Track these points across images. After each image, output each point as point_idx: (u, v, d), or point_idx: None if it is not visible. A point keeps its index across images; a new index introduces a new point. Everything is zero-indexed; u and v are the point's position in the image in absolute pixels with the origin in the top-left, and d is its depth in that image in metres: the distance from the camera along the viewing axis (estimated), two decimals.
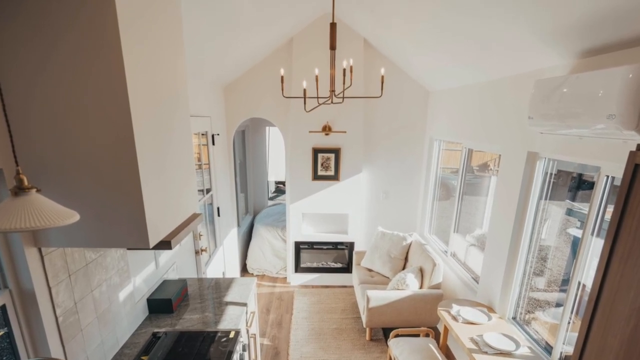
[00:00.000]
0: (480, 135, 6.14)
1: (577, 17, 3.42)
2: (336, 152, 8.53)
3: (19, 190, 2.20)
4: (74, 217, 2.21)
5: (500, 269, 5.59)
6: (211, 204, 7.83)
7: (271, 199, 15.85)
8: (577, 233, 4.79)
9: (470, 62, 5.76)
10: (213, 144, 7.71)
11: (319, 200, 8.86)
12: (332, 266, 9.52)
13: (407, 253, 8.15)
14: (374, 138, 9.07)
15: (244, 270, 10.52)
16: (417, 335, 6.93)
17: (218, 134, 8.07)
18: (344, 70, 4.81)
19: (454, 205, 7.50)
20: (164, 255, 5.40)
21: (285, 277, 10.16)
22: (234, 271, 9.50)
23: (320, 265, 9.51)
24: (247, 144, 12.52)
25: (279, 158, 14.80)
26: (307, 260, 9.45)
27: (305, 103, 4.92)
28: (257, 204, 13.56)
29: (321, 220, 9.40)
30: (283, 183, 17.31)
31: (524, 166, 5.04)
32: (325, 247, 9.26)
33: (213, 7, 4.86)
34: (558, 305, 4.88)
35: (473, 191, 7.24)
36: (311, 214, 9.26)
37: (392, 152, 9.29)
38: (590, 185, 4.27)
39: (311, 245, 9.23)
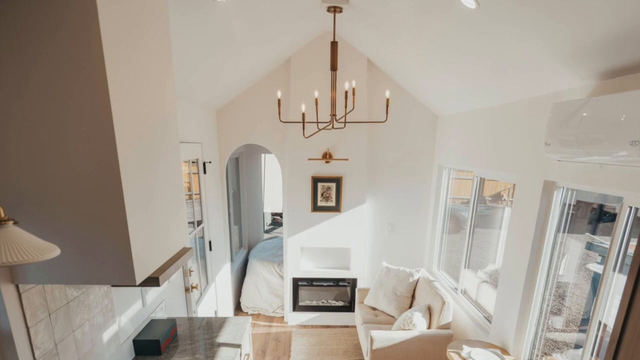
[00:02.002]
0: (493, 163, 6.14)
1: (598, 36, 3.42)
2: (337, 181, 8.54)
3: None
4: (54, 251, 2.20)
5: (515, 307, 5.57)
6: (202, 237, 7.82)
7: (267, 232, 15.84)
8: (598, 269, 4.78)
9: (482, 84, 5.78)
10: (204, 172, 7.71)
11: (318, 233, 8.84)
12: (333, 304, 9.48)
13: (414, 290, 8.12)
14: (378, 166, 9.07)
15: (238, 308, 10.45)
16: None
17: (210, 162, 8.08)
18: (346, 92, 4.82)
19: (465, 238, 7.49)
20: (152, 292, 5.38)
21: (283, 317, 10.08)
22: (227, 310, 9.47)
23: (320, 304, 9.48)
24: (241, 172, 12.52)
25: (276, 188, 14.79)
26: (306, 298, 9.42)
27: (304, 128, 4.94)
28: (252, 238, 13.54)
29: (321, 255, 9.38)
30: (280, 215, 17.29)
31: (540, 196, 5.04)
32: (325, 283, 9.24)
33: (204, 27, 4.89)
34: (577, 346, 4.86)
35: (485, 223, 7.24)
36: (310, 248, 9.24)
37: (398, 181, 9.25)
38: (612, 217, 4.27)
39: (310, 281, 9.21)
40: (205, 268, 8.09)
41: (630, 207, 3.88)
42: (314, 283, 9.22)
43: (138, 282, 2.92)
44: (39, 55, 2.49)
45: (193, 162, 7.21)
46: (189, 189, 7.09)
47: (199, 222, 7.60)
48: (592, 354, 4.28)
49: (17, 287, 2.99)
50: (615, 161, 3.37)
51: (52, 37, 2.47)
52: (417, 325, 6.87)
